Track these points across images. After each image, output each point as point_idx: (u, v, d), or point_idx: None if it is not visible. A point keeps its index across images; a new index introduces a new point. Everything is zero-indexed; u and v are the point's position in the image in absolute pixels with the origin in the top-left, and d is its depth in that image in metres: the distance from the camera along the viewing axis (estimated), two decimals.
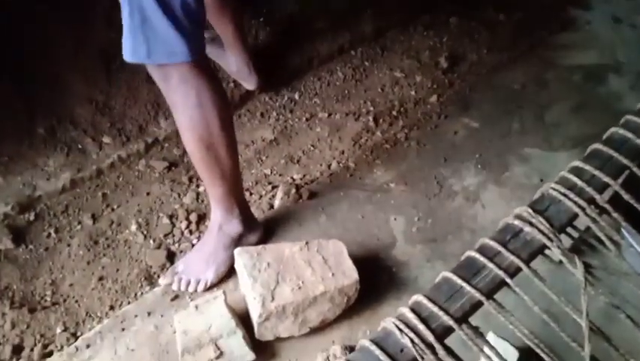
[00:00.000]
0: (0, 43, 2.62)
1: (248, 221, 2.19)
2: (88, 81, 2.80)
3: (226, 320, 1.88)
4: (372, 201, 2.46)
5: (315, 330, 1.97)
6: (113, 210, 2.51)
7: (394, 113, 2.94)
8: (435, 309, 1.18)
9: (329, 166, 2.68)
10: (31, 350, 2.09)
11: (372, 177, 2.58)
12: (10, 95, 2.66)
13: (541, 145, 2.76)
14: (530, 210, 1.22)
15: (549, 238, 1.17)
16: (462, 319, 1.16)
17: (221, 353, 1.84)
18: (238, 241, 2.16)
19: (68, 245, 2.39)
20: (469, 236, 2.33)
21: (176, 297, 2.12)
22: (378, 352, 1.12)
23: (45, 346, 2.09)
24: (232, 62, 2.83)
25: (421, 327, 1.15)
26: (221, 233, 2.14)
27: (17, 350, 2.08)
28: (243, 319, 1.96)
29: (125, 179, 2.61)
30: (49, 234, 2.42)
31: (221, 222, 2.13)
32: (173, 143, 2.73)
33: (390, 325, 1.18)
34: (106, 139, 2.63)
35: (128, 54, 1.69)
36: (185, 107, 1.81)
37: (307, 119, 2.93)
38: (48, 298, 2.24)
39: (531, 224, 1.19)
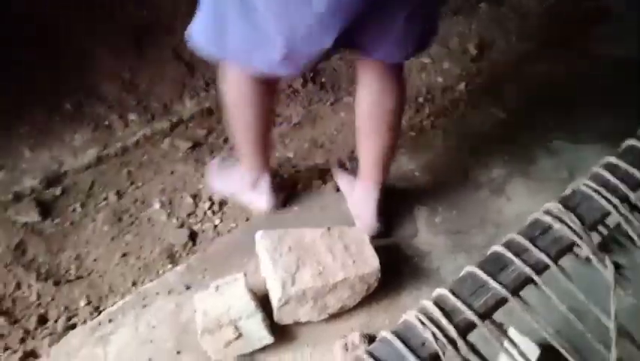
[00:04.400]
0: (26, 16, 2.64)
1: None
2: (116, 57, 2.81)
3: (246, 302, 1.89)
4: (396, 189, 2.44)
5: (334, 316, 1.97)
6: (137, 187, 2.54)
7: (420, 100, 2.90)
8: (458, 304, 1.17)
9: (352, 152, 2.66)
10: (55, 321, 2.13)
11: (396, 165, 2.55)
12: (38, 70, 2.69)
13: (570, 138, 2.69)
14: (561, 207, 1.19)
15: (579, 236, 1.15)
16: (485, 315, 1.15)
17: (240, 335, 1.85)
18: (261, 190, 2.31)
19: (93, 220, 2.43)
20: (494, 229, 2.30)
21: (195, 278, 2.15)
22: (399, 344, 1.11)
23: (69, 318, 2.13)
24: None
25: (444, 321, 1.13)
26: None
27: (42, 320, 2.13)
28: (263, 302, 1.97)
29: (149, 157, 2.64)
30: (75, 209, 2.46)
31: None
32: (198, 123, 2.74)
33: (413, 318, 1.16)
34: (132, 116, 2.65)
35: (202, 40, 1.74)
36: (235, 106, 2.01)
37: (332, 104, 2.91)
38: (72, 272, 2.28)
39: (561, 221, 1.17)
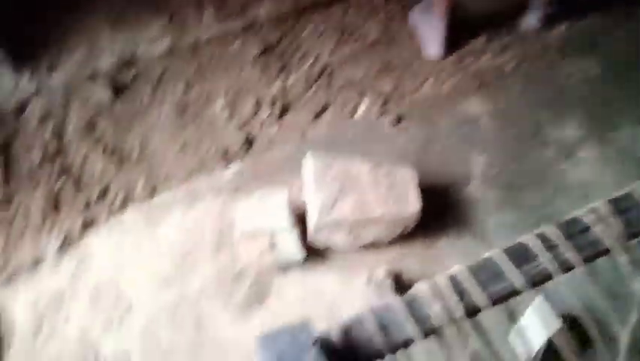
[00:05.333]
0: None
1: None
2: None
3: (284, 218, 1.96)
4: (458, 132, 2.36)
5: (365, 248, 2.03)
6: (203, 84, 2.59)
7: (509, 38, 2.69)
8: (473, 286, 1.17)
9: (423, 83, 2.56)
10: (115, 196, 2.32)
11: (465, 106, 2.45)
12: None
13: None
14: (609, 208, 1.12)
15: (618, 245, 1.09)
16: (498, 301, 1.14)
17: (274, 246, 1.95)
18: None
19: (160, 108, 2.53)
20: (550, 192, 2.19)
21: (243, 184, 2.24)
22: (403, 312, 1.14)
23: (126, 196, 2.31)
24: None
25: (454, 300, 1.14)
26: None
27: (103, 194, 2.32)
28: (301, 220, 2.04)
29: (219, 55, 2.65)
30: (145, 93, 2.56)
31: None
32: (272, 27, 2.69)
33: (424, 289, 1.18)
34: (207, 13, 2.64)
35: None
36: None
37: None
38: (135, 154, 2.42)
39: (605, 223, 1.11)
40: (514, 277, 1.13)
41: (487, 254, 1.18)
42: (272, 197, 2.02)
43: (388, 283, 1.88)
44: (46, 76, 2.60)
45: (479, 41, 2.67)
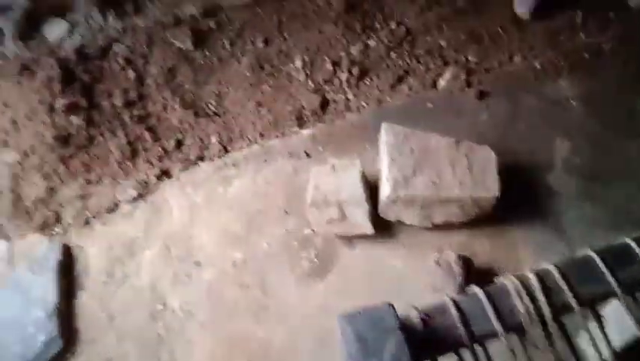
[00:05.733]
0: None
1: None
2: None
3: (357, 189, 1.95)
4: (544, 114, 2.23)
5: (436, 227, 1.99)
6: (284, 39, 2.55)
7: (612, 14, 2.48)
8: (563, 286, 1.12)
9: (511, 58, 2.42)
10: (190, 148, 2.36)
11: (554, 87, 2.30)
12: None
13: None
14: None
15: None
16: (589, 303, 1.10)
17: (344, 217, 1.95)
18: None
19: (238, 62, 2.52)
20: (636, 190, 2.06)
21: (316, 149, 2.22)
22: (487, 304, 1.12)
23: (201, 150, 2.34)
24: None
25: (541, 298, 1.11)
26: None
27: (179, 145, 2.36)
28: (372, 192, 2.01)
29: (303, 11, 2.59)
30: (224, 45, 2.55)
31: None
32: None
33: (510, 283, 1.15)
34: None
35: None
36: None
37: None
38: (211, 108, 2.44)
39: None
40: (609, 280, 1.08)
41: (579, 253, 1.14)
42: (345, 168, 2.00)
43: (458, 267, 1.85)
44: (131, 18, 2.62)
45: (577, 16, 2.48)
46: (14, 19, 2.57)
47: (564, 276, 1.13)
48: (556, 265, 1.14)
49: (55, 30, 2.61)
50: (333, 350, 1.82)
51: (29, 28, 2.60)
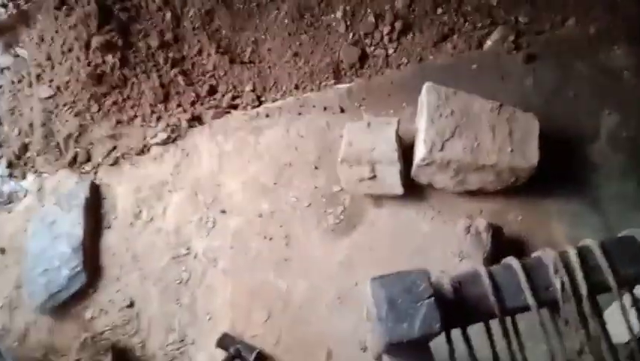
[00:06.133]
0: None
1: None
2: None
3: (390, 149, 1.89)
4: (593, 83, 2.11)
5: (469, 193, 1.93)
6: None
7: None
8: (604, 264, 1.07)
9: (564, 22, 2.28)
10: (223, 95, 2.32)
11: (607, 55, 2.17)
12: None
13: None
14: None
15: None
16: (629, 284, 1.06)
17: (375, 177, 1.90)
18: None
19: (277, 9, 2.43)
20: None
21: (352, 104, 2.16)
22: (522, 278, 1.07)
23: (233, 97, 2.31)
24: None
25: (579, 275, 1.06)
26: None
27: (212, 91, 2.33)
28: (406, 152, 1.95)
29: None
30: None
31: None
32: None
33: (548, 258, 1.10)
34: None
35: None
36: None
37: None
38: (247, 55, 2.39)
39: None
40: None
41: (624, 232, 1.09)
42: (381, 126, 1.94)
43: (488, 235, 1.79)
44: None
45: None
46: None
47: (606, 255, 1.08)
48: (599, 242, 1.09)
49: None
50: (352, 306, 1.82)
51: None
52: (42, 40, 2.43)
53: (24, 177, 2.26)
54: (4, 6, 2.53)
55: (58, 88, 2.31)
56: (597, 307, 1.08)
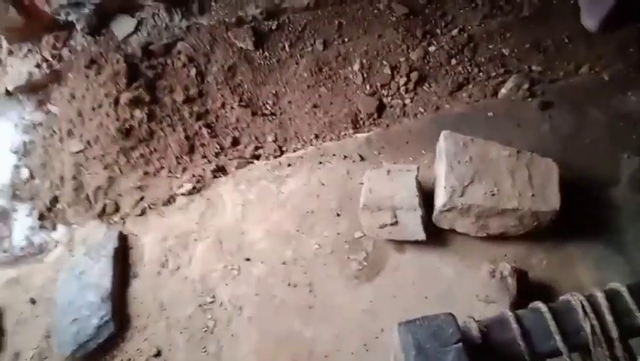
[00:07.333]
0: None
1: None
2: None
3: (411, 195, 1.92)
4: (611, 127, 2.14)
5: (491, 237, 1.93)
6: (343, 42, 2.55)
7: None
8: (633, 306, 1.08)
9: (577, 69, 2.34)
10: (245, 146, 2.39)
11: (622, 100, 2.21)
12: None
13: None
14: None
15: None
16: None
17: (396, 223, 1.92)
18: None
19: (296, 63, 2.54)
20: None
21: (371, 152, 2.21)
22: (551, 322, 1.07)
23: (256, 148, 2.37)
24: None
25: (609, 319, 1.06)
26: None
27: (235, 143, 2.40)
28: (427, 197, 1.98)
29: (363, 14, 2.59)
30: (284, 47, 2.58)
31: None
32: None
33: (576, 302, 1.10)
34: None
35: None
36: None
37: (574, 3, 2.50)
38: (268, 108, 2.48)
39: None
40: None
41: None
42: (401, 174, 1.98)
43: (512, 279, 1.79)
44: (195, 18, 2.68)
45: None
46: (85, 14, 2.68)
47: (635, 297, 1.08)
48: (627, 285, 1.09)
49: (123, 27, 2.70)
50: (378, 354, 1.80)
51: (99, 24, 2.70)
52: (73, 97, 2.54)
53: (54, 228, 2.32)
54: (38, 66, 2.66)
55: (88, 142, 2.40)
56: (630, 350, 1.08)
